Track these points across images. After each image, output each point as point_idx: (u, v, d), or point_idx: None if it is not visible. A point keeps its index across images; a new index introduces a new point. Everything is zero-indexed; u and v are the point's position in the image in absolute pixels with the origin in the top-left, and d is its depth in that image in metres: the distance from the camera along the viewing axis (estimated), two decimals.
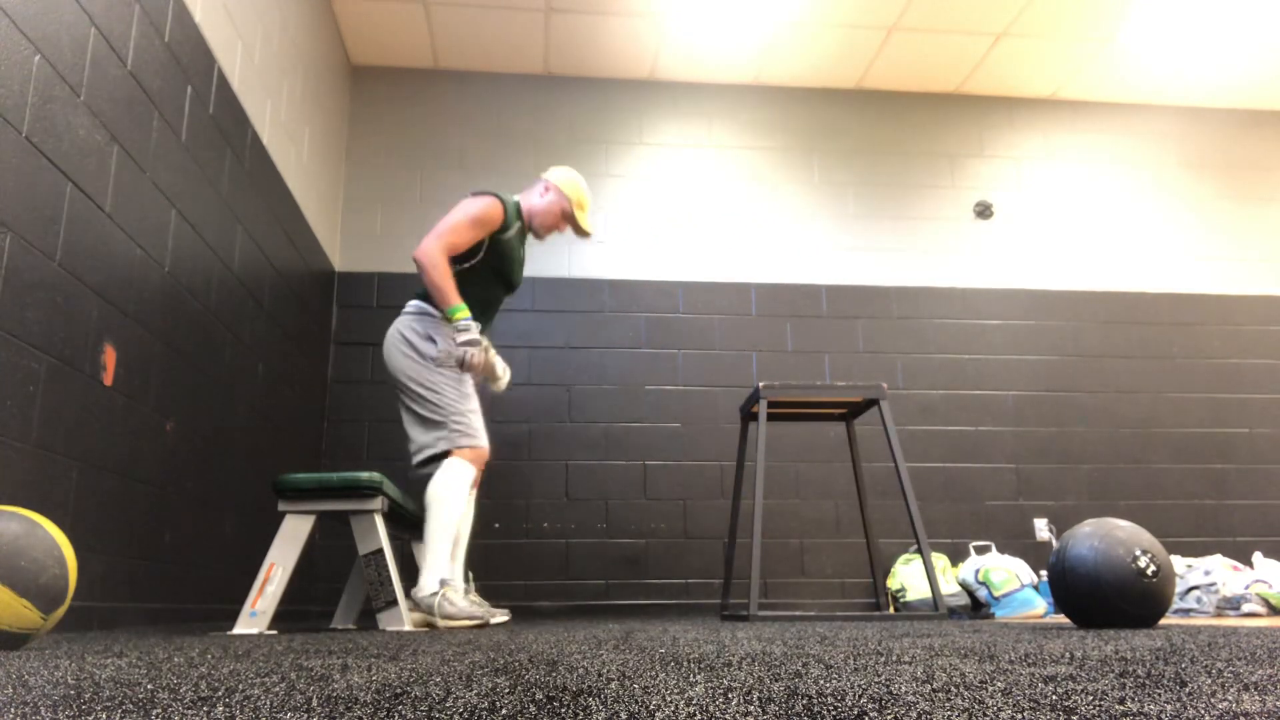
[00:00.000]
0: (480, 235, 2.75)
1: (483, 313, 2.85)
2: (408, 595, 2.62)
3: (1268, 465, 4.75)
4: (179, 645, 1.51)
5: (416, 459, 2.71)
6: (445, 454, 2.66)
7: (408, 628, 2.43)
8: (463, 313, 2.68)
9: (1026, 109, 5.18)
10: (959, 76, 4.99)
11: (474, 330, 2.69)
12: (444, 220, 2.73)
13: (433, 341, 2.71)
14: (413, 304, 2.77)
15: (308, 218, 4.01)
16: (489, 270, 2.82)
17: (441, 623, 2.54)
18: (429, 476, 2.71)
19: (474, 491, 2.89)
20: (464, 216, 2.72)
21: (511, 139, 4.80)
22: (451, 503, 2.60)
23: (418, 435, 2.70)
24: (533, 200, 2.94)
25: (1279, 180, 5.26)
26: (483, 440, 2.72)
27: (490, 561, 4.21)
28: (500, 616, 2.70)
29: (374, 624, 3.20)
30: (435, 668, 0.99)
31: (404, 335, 2.72)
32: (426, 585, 2.56)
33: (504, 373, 2.88)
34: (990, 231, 4.96)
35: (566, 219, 2.96)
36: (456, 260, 2.78)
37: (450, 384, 2.70)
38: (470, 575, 3.05)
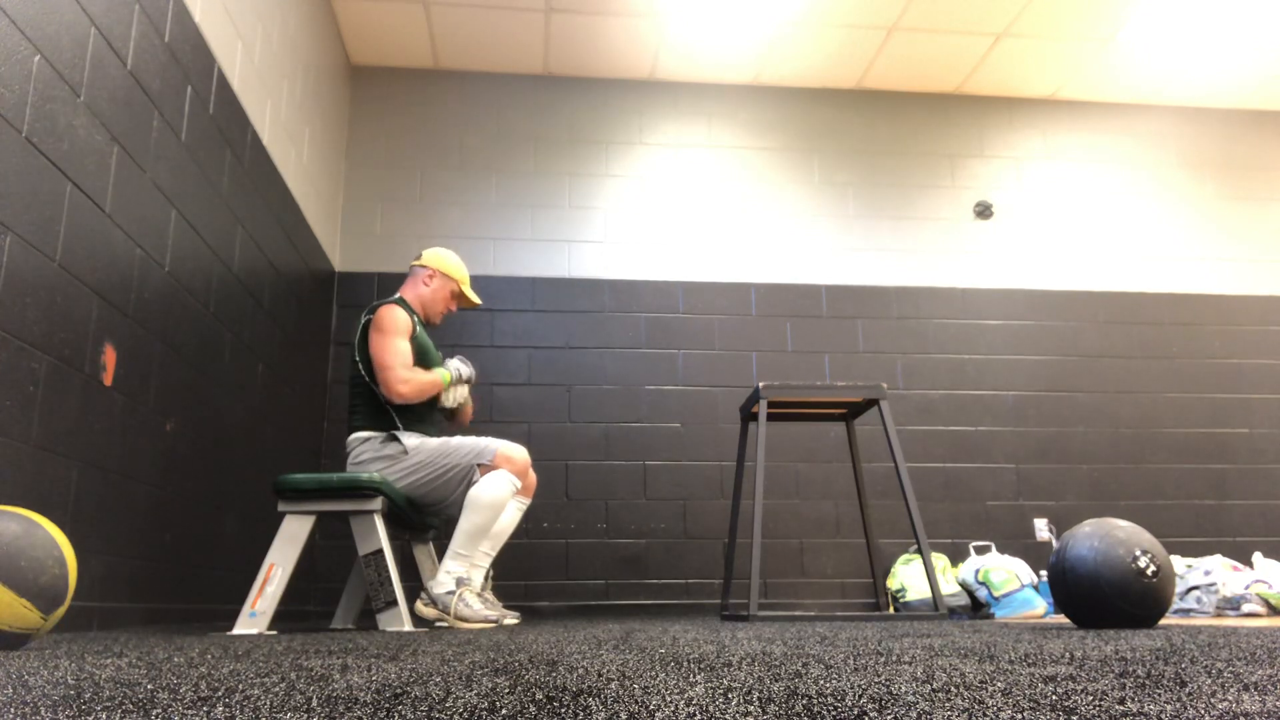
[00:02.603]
0: (407, 338, 2.81)
1: (426, 407, 2.89)
2: (423, 590, 2.64)
3: (1268, 465, 4.75)
4: (179, 645, 1.51)
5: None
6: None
7: (408, 628, 2.43)
8: (445, 372, 2.85)
9: (1026, 109, 5.18)
10: (959, 76, 4.99)
11: (456, 367, 2.87)
12: (379, 357, 2.76)
13: (394, 440, 2.75)
14: (350, 443, 2.80)
15: (308, 218, 4.01)
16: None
17: (453, 623, 2.55)
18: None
19: (526, 499, 2.91)
20: (388, 338, 2.77)
21: (511, 139, 4.80)
22: (487, 509, 2.65)
23: (454, 496, 2.76)
24: (419, 291, 2.99)
25: (1279, 180, 5.26)
26: (504, 446, 2.75)
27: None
28: (511, 619, 2.71)
29: (374, 624, 3.20)
30: (435, 668, 0.99)
31: (365, 460, 2.75)
32: (444, 583, 2.59)
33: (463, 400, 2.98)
34: (990, 231, 4.96)
35: (455, 299, 3.05)
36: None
37: (437, 452, 2.75)
38: (491, 574, 3.05)
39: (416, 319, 2.93)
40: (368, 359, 2.80)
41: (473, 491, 2.66)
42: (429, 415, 2.89)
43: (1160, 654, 1.08)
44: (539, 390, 4.45)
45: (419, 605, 2.63)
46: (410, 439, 2.76)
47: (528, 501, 2.92)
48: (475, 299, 3.05)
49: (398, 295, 2.98)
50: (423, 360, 2.87)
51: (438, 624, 2.62)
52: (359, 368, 2.82)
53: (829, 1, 4.33)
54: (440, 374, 2.83)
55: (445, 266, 3.00)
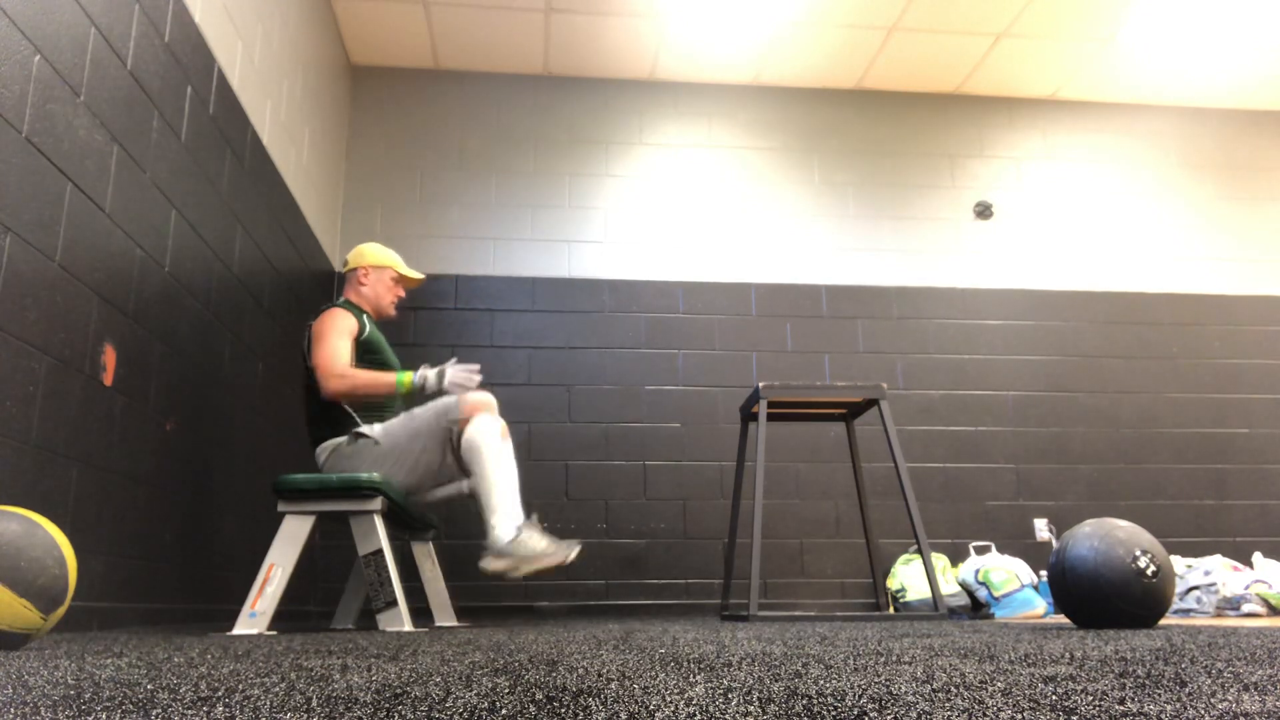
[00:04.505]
0: (350, 340, 2.78)
1: (385, 406, 2.86)
2: (483, 552, 2.57)
3: (1268, 465, 4.75)
4: (179, 645, 1.51)
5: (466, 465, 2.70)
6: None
7: (408, 628, 2.43)
8: (407, 375, 2.72)
9: (1026, 109, 5.18)
10: (959, 76, 4.99)
11: (429, 369, 2.73)
12: (314, 358, 2.72)
13: (360, 437, 2.72)
14: (320, 454, 2.77)
15: (308, 218, 4.01)
16: (371, 368, 2.84)
17: (525, 567, 2.47)
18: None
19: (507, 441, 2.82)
20: (324, 340, 2.74)
21: (511, 139, 4.80)
22: (488, 446, 2.58)
23: (434, 466, 2.71)
24: (360, 293, 2.98)
25: (1279, 180, 5.26)
26: (466, 396, 2.67)
27: None
28: (575, 550, 2.57)
29: (374, 624, 3.20)
30: (435, 668, 0.99)
31: (352, 459, 2.71)
32: (502, 533, 2.51)
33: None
34: (990, 231, 4.96)
35: (397, 282, 3.03)
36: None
37: (402, 432, 2.70)
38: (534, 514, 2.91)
39: (367, 318, 2.92)
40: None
41: (466, 447, 2.59)
42: (386, 407, 2.85)
43: (1160, 654, 1.08)
44: (539, 390, 4.45)
45: (488, 561, 2.50)
46: (374, 428, 2.72)
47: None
48: (416, 275, 3.04)
49: (341, 299, 2.98)
50: (373, 359, 2.84)
51: (510, 574, 2.51)
52: (309, 376, 2.80)
53: (829, 1, 4.33)
54: (396, 376, 2.71)
55: (373, 259, 2.99)
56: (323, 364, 2.70)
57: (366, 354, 2.84)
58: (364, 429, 2.72)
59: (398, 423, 2.72)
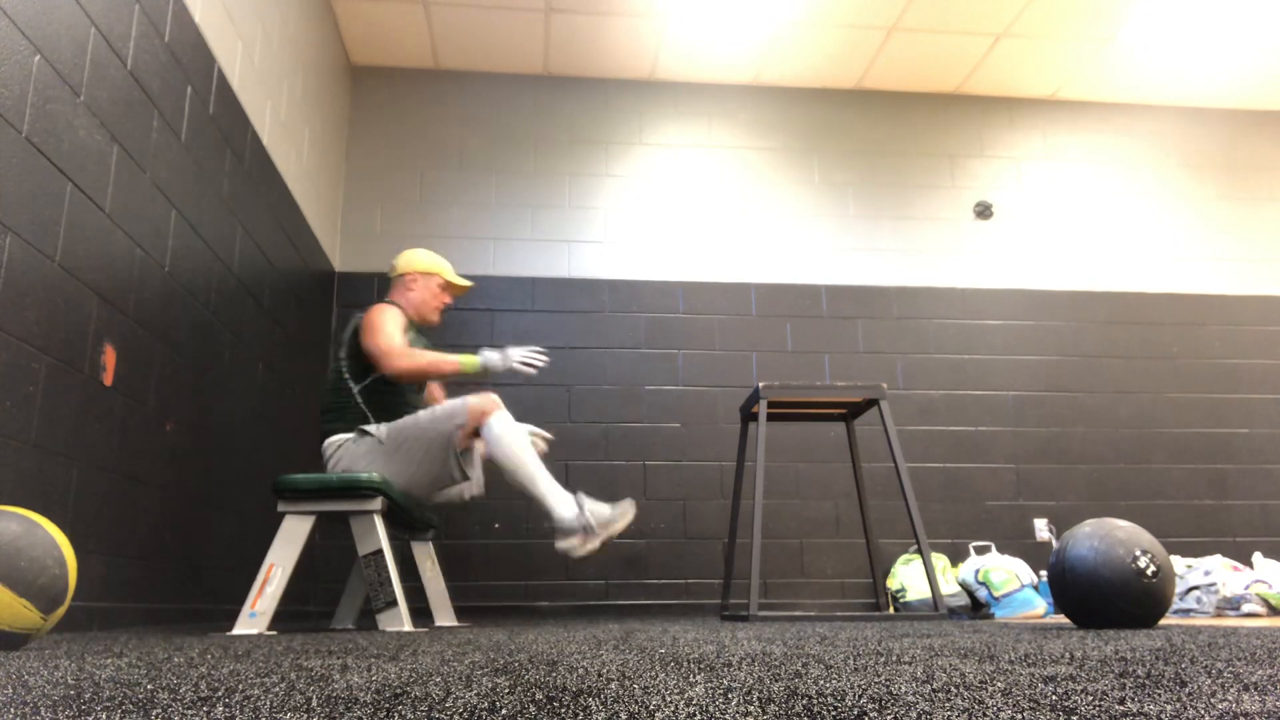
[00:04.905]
0: (400, 330, 2.81)
1: (403, 404, 2.87)
2: (556, 536, 2.61)
3: (1268, 465, 4.75)
4: (179, 645, 1.51)
5: (472, 473, 2.74)
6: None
7: (408, 628, 2.43)
8: (470, 357, 2.77)
9: (1026, 109, 5.18)
10: (959, 77, 4.99)
11: (492, 351, 2.79)
12: (374, 342, 2.74)
13: (364, 434, 2.74)
14: (327, 446, 2.79)
15: (308, 218, 4.01)
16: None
17: (605, 534, 2.54)
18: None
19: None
20: (382, 323, 2.77)
21: (511, 139, 4.80)
22: (515, 442, 2.62)
23: (442, 470, 2.72)
24: (407, 297, 2.99)
25: (1279, 180, 5.26)
26: (470, 399, 2.69)
27: (490, 561, 4.22)
28: (632, 507, 2.64)
29: (374, 624, 3.20)
30: (435, 668, 0.99)
31: (346, 467, 2.73)
32: (566, 515, 2.57)
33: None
34: (990, 231, 4.96)
35: (445, 290, 3.04)
36: (364, 376, 2.81)
37: (408, 432, 2.71)
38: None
39: (410, 322, 2.96)
40: (355, 357, 2.80)
41: (494, 446, 2.63)
42: (402, 411, 2.86)
43: (1160, 654, 1.08)
44: (539, 390, 4.45)
45: (572, 545, 2.55)
46: (379, 427, 2.74)
47: None
48: (464, 282, 3.05)
49: (388, 299, 2.99)
50: None
51: (588, 548, 2.56)
52: (342, 366, 2.82)
53: (829, 1, 4.33)
54: (465, 359, 2.77)
55: (422, 265, 3.00)
56: (384, 345, 2.72)
57: None
58: (370, 427, 2.74)
59: (404, 423, 2.73)
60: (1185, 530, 4.62)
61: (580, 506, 2.57)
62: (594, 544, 2.55)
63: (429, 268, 3.01)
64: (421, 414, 2.73)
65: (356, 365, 2.81)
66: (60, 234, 2.02)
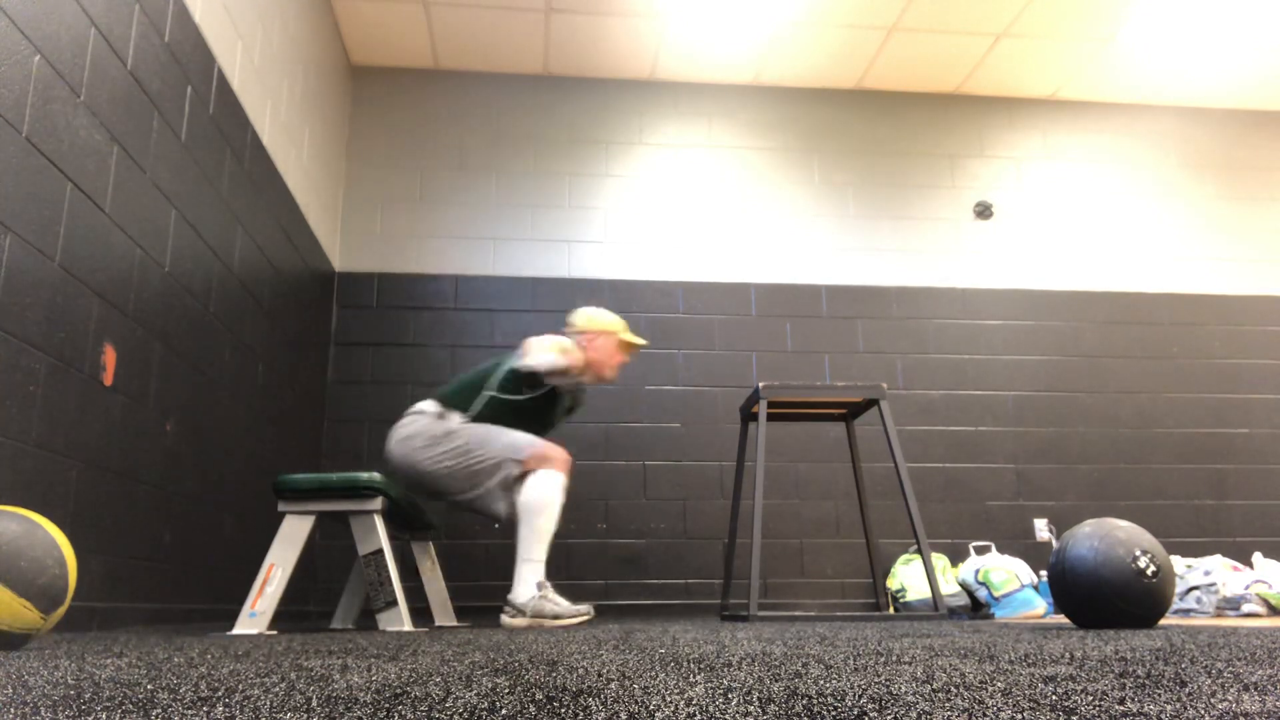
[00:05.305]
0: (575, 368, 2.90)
1: (510, 416, 2.93)
2: (505, 604, 2.68)
3: (1268, 465, 4.75)
4: (179, 645, 1.51)
5: (500, 506, 2.79)
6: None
7: (408, 628, 2.43)
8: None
9: (1026, 109, 5.18)
10: (959, 76, 4.99)
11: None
12: (537, 341, 2.86)
13: (442, 418, 2.82)
14: (413, 408, 2.88)
15: (308, 218, 4.01)
16: (540, 407, 2.94)
17: (547, 624, 2.60)
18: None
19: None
20: (552, 340, 2.86)
21: (511, 139, 4.80)
22: (546, 512, 2.69)
23: (480, 489, 2.78)
24: (586, 357, 3.03)
25: (1279, 180, 5.26)
26: (541, 445, 2.78)
27: (491, 561, 4.22)
28: (589, 615, 2.73)
29: (373, 624, 3.20)
30: (435, 668, 0.99)
31: (409, 435, 2.81)
32: (524, 590, 2.65)
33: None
34: (990, 231, 4.96)
35: (623, 349, 3.07)
36: (528, 385, 2.89)
37: (476, 437, 2.78)
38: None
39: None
40: (511, 378, 2.89)
41: (528, 497, 2.69)
42: (526, 422, 2.94)
43: (1160, 654, 1.08)
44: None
45: (505, 619, 2.67)
46: (455, 421, 2.80)
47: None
48: (640, 340, 3.09)
49: None
50: (551, 408, 2.97)
51: (531, 630, 2.64)
52: (490, 372, 2.90)
53: (829, 1, 4.33)
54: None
55: (600, 324, 3.04)
56: (545, 344, 2.82)
57: (545, 400, 2.93)
58: (453, 415, 2.80)
59: (476, 432, 2.79)
60: (1185, 530, 4.62)
61: (539, 590, 2.64)
62: (522, 624, 2.64)
63: (607, 327, 3.04)
64: (492, 431, 2.79)
65: (509, 384, 2.89)
66: (60, 234, 2.02)
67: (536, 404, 2.91)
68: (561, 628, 2.51)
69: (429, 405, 2.86)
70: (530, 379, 2.88)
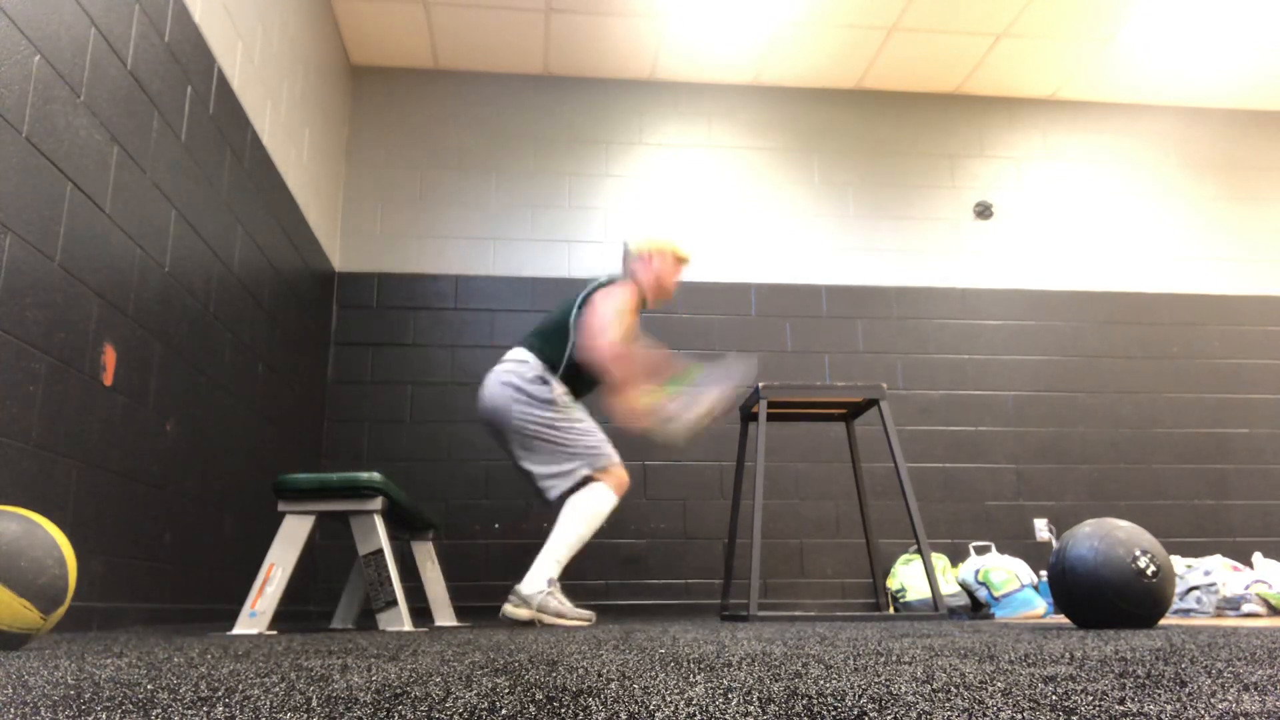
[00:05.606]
0: (632, 319, 2.91)
1: (590, 385, 2.96)
2: (511, 593, 2.66)
3: (1268, 465, 4.75)
4: (179, 645, 1.51)
5: (554, 492, 2.79)
6: (584, 482, 2.79)
7: (408, 628, 2.43)
8: (655, 404, 2.84)
9: (1026, 109, 5.18)
10: (959, 76, 4.99)
11: (682, 395, 2.87)
12: (603, 316, 2.82)
13: (545, 383, 2.82)
14: (516, 352, 2.89)
15: (308, 218, 4.01)
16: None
17: (548, 619, 2.62)
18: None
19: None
20: (614, 310, 2.84)
21: (511, 139, 4.80)
22: (588, 523, 2.71)
23: (548, 469, 2.79)
24: (649, 277, 3.06)
25: (1279, 180, 5.26)
26: (617, 466, 2.80)
27: (491, 561, 4.22)
28: (590, 621, 2.75)
29: (374, 624, 3.20)
30: (435, 668, 0.99)
31: (513, 383, 2.82)
32: (534, 583, 2.65)
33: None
34: (990, 231, 4.96)
35: (678, 265, 3.10)
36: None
37: (570, 420, 2.80)
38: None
39: (642, 302, 3.05)
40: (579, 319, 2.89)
41: (581, 501, 2.71)
42: (587, 386, 2.93)
43: (1160, 654, 1.08)
44: None
45: (508, 608, 2.67)
46: (559, 391, 2.81)
47: None
48: (691, 254, 3.12)
49: (626, 276, 3.06)
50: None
51: (532, 622, 2.66)
52: (572, 315, 2.90)
53: (829, 1, 4.33)
54: (649, 408, 2.84)
55: (657, 245, 3.07)
56: (604, 332, 2.79)
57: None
58: (553, 383, 2.81)
59: (578, 416, 2.82)
60: (1185, 530, 4.62)
61: (548, 587, 2.65)
62: (524, 615, 2.64)
63: (663, 246, 3.07)
64: (588, 425, 2.81)
65: (583, 325, 2.90)
66: (60, 234, 2.02)
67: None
68: (560, 626, 2.51)
69: (528, 356, 2.85)
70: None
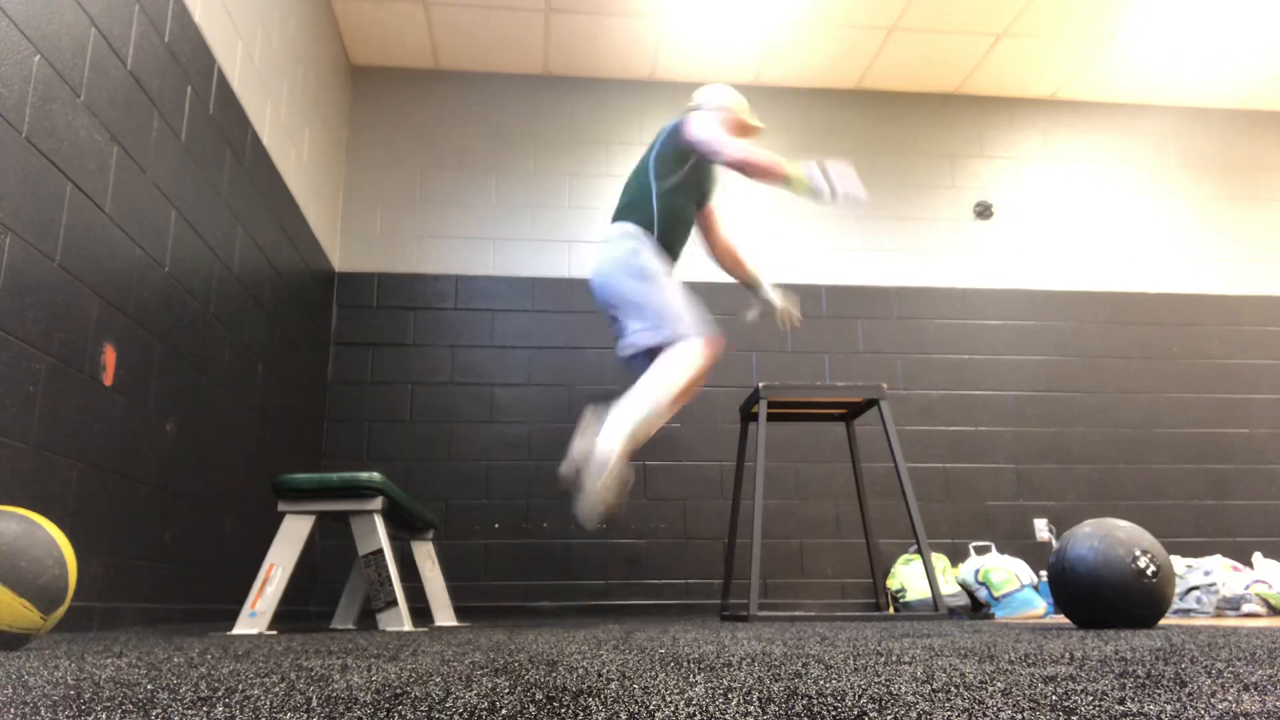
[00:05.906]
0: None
1: (683, 231, 2.89)
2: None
3: (1268, 465, 4.75)
4: (179, 645, 1.51)
5: (649, 340, 2.66)
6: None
7: (408, 628, 2.43)
8: (799, 174, 2.64)
9: (1026, 109, 5.18)
10: (959, 76, 4.99)
11: (820, 180, 2.64)
12: (706, 128, 2.78)
13: (638, 254, 2.76)
14: (610, 230, 2.85)
15: (308, 218, 4.01)
16: (692, 185, 2.91)
17: (595, 482, 2.46)
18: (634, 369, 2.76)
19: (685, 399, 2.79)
20: (713, 122, 2.80)
21: (511, 139, 4.80)
22: (676, 376, 2.56)
23: (644, 323, 2.68)
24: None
25: (1279, 180, 5.26)
26: (712, 332, 2.70)
27: (490, 561, 4.22)
28: (626, 498, 2.61)
29: (374, 624, 3.20)
30: (435, 668, 0.99)
31: (616, 259, 2.76)
32: (609, 441, 2.48)
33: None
34: (990, 231, 4.96)
35: (741, 130, 3.04)
36: (666, 176, 2.85)
37: (661, 284, 2.71)
38: None
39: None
40: (664, 158, 2.85)
41: (675, 354, 2.58)
42: (681, 228, 2.88)
43: (1160, 654, 1.08)
44: (539, 390, 4.45)
45: (586, 497, 2.47)
46: (649, 241, 2.77)
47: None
48: (759, 123, 3.07)
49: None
50: (704, 178, 2.96)
51: (600, 499, 2.47)
52: (648, 165, 2.86)
53: (829, 1, 4.33)
54: (795, 174, 2.66)
55: (726, 103, 3.01)
56: (716, 133, 2.76)
57: (698, 166, 2.91)
58: (647, 245, 2.76)
59: (675, 288, 2.72)
60: (1185, 530, 4.62)
61: (610, 455, 2.46)
62: (583, 467, 2.49)
63: (731, 105, 3.01)
64: (678, 290, 2.71)
65: (664, 164, 2.86)
66: (60, 234, 2.02)
67: (697, 174, 2.90)
68: (598, 492, 2.43)
69: (619, 228, 2.80)
70: (682, 155, 2.85)
